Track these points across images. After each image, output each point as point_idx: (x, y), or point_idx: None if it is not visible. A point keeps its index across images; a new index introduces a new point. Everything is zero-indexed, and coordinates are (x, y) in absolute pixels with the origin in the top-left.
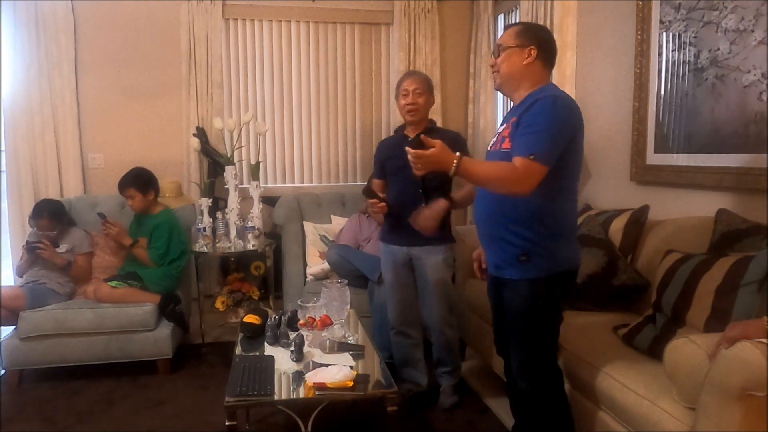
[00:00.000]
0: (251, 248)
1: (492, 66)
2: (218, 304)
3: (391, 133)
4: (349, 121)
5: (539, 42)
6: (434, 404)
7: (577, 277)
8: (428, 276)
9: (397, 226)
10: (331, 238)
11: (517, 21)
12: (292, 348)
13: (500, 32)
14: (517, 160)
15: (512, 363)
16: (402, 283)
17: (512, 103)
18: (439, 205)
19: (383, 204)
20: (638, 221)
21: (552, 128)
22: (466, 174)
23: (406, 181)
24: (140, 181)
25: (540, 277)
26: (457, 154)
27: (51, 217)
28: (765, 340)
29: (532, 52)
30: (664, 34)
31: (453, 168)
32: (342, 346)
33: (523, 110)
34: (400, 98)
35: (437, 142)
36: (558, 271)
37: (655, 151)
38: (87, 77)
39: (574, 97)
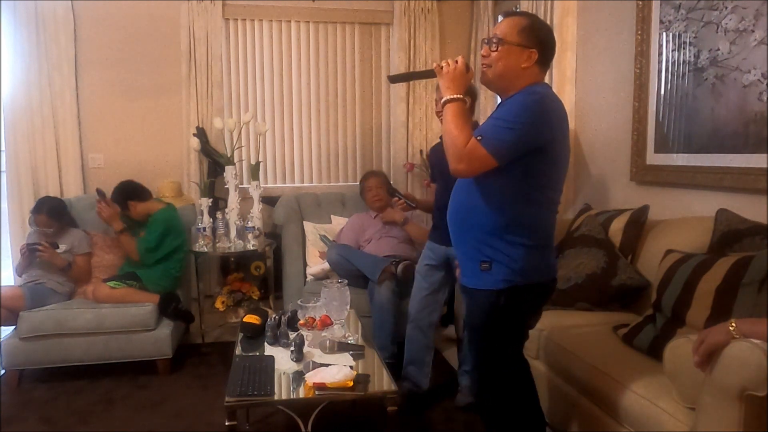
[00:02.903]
0: (251, 248)
1: (485, 57)
2: (218, 304)
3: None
4: (349, 121)
5: (541, 44)
6: (431, 407)
7: (550, 292)
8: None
9: (438, 225)
10: (331, 238)
11: (520, 10)
12: (292, 348)
13: None
14: (471, 140)
15: (472, 378)
16: (431, 281)
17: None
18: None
19: (402, 201)
20: (638, 221)
21: (512, 122)
22: (445, 113)
23: (448, 184)
24: (121, 197)
25: (501, 289)
26: (459, 96)
27: (50, 213)
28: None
29: (533, 55)
30: (664, 34)
31: (447, 97)
32: (342, 346)
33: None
34: (435, 105)
35: (463, 70)
36: (522, 283)
37: (655, 151)
38: (87, 77)
39: (574, 97)
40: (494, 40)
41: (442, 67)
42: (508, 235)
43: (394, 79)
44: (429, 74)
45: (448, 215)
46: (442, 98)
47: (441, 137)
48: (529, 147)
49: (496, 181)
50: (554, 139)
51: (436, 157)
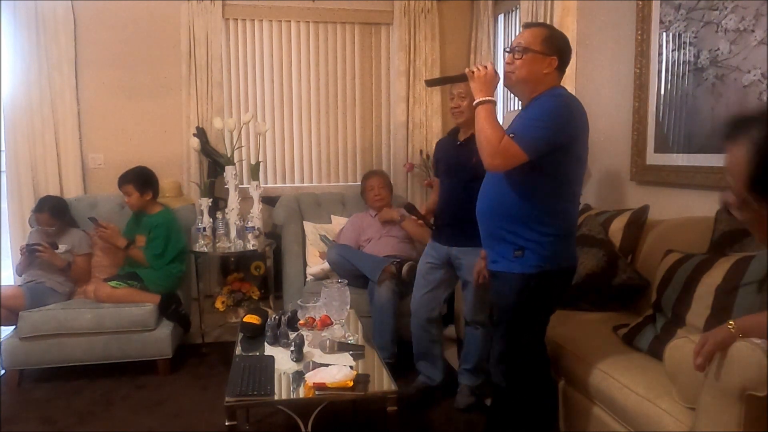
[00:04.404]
0: (251, 248)
1: (509, 64)
2: (218, 304)
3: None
4: (349, 121)
5: (560, 52)
6: (446, 400)
7: (572, 277)
8: (466, 277)
9: (441, 225)
10: (331, 238)
11: (539, 21)
12: (292, 348)
13: (500, 32)
14: (504, 137)
15: (491, 359)
16: (432, 280)
17: (519, 101)
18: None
19: (421, 222)
20: (638, 221)
21: (543, 121)
22: (479, 114)
23: (453, 184)
24: (140, 179)
25: (532, 273)
26: (490, 98)
27: (51, 212)
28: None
29: (553, 62)
30: (664, 34)
31: (479, 99)
32: (342, 346)
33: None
34: (449, 101)
35: (493, 75)
36: (551, 268)
37: (655, 151)
38: (87, 77)
39: None
40: (518, 49)
41: (473, 72)
42: (538, 225)
43: (430, 83)
44: (462, 78)
45: (478, 206)
46: (459, 93)
47: (449, 133)
48: (557, 143)
49: (526, 176)
50: (577, 137)
51: (443, 152)
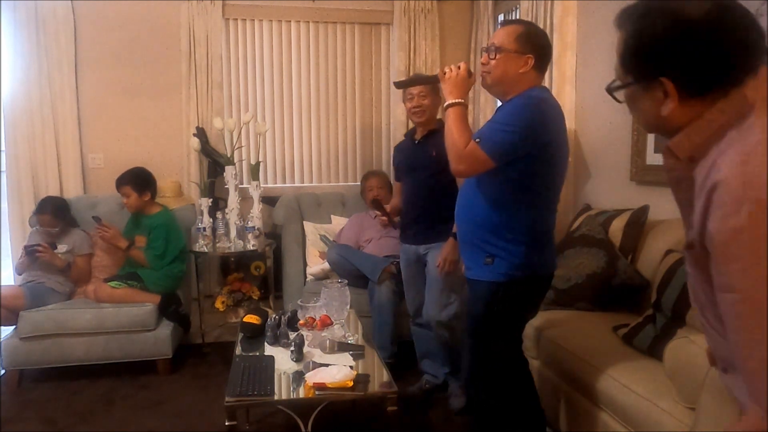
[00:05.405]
0: (251, 248)
1: (484, 64)
2: (218, 304)
3: (403, 137)
4: (349, 121)
5: (537, 50)
6: (431, 408)
7: (548, 285)
8: (431, 271)
9: (407, 225)
10: (331, 238)
11: (516, 18)
12: (292, 348)
13: None
14: (470, 142)
15: (462, 368)
16: (415, 280)
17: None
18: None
19: (385, 218)
20: (638, 221)
21: (509, 125)
22: (448, 116)
23: (415, 182)
24: (137, 180)
25: (501, 281)
26: (461, 100)
27: (54, 213)
28: None
29: (530, 61)
30: None
31: (449, 102)
32: (342, 346)
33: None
34: (406, 102)
35: (465, 76)
36: (521, 276)
37: (655, 151)
38: (87, 77)
39: (574, 97)
40: (492, 49)
41: (445, 73)
42: (508, 233)
43: (399, 84)
44: (433, 79)
45: (456, 211)
46: (419, 93)
47: (405, 135)
48: (525, 149)
49: (496, 181)
50: (551, 142)
51: (403, 154)
